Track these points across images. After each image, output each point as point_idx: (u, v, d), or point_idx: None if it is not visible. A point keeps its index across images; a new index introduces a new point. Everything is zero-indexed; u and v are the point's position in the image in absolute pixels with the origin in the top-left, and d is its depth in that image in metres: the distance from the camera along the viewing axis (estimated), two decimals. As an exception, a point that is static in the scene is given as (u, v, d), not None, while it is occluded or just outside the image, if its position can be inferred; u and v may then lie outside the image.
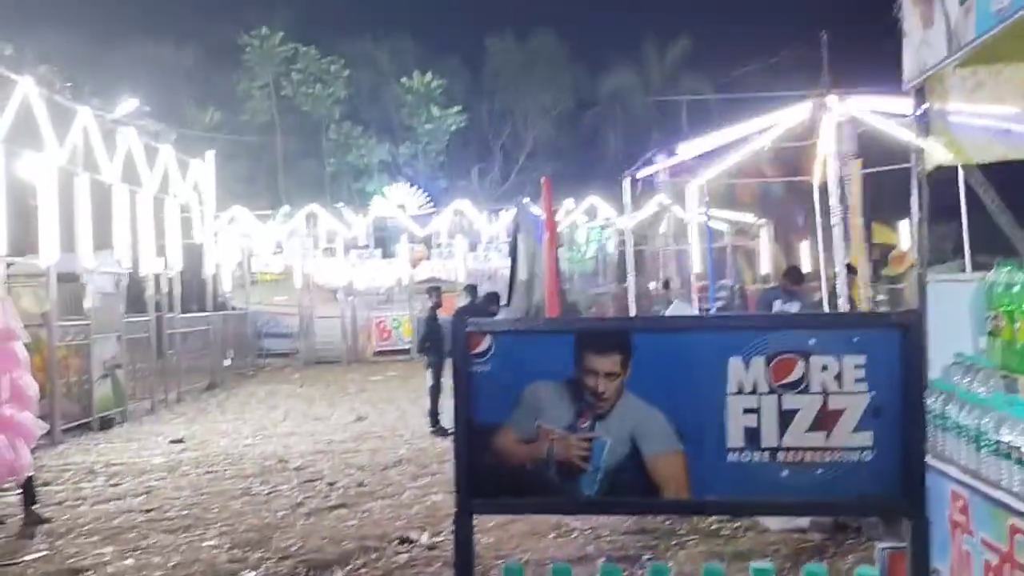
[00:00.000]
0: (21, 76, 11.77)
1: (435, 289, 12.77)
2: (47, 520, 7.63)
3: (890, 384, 2.27)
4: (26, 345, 7.54)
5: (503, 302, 12.61)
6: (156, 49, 41.48)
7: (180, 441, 11.92)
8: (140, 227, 15.67)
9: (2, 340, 7.07)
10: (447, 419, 11.63)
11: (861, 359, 2.28)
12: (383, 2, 50.13)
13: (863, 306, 11.92)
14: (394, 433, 12.13)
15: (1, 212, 11.03)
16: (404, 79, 43.53)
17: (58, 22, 35.67)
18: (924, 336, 2.32)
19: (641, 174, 12.20)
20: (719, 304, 11.49)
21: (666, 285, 11.67)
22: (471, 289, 12.75)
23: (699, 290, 18.43)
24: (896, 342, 2.26)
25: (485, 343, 2.37)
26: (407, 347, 24.10)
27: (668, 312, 11.23)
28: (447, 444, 11.03)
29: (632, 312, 12.97)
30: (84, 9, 39.88)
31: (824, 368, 2.29)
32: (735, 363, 2.30)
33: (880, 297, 15.74)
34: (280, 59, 42.63)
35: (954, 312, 4.85)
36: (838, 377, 2.29)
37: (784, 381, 2.30)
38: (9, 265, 12.15)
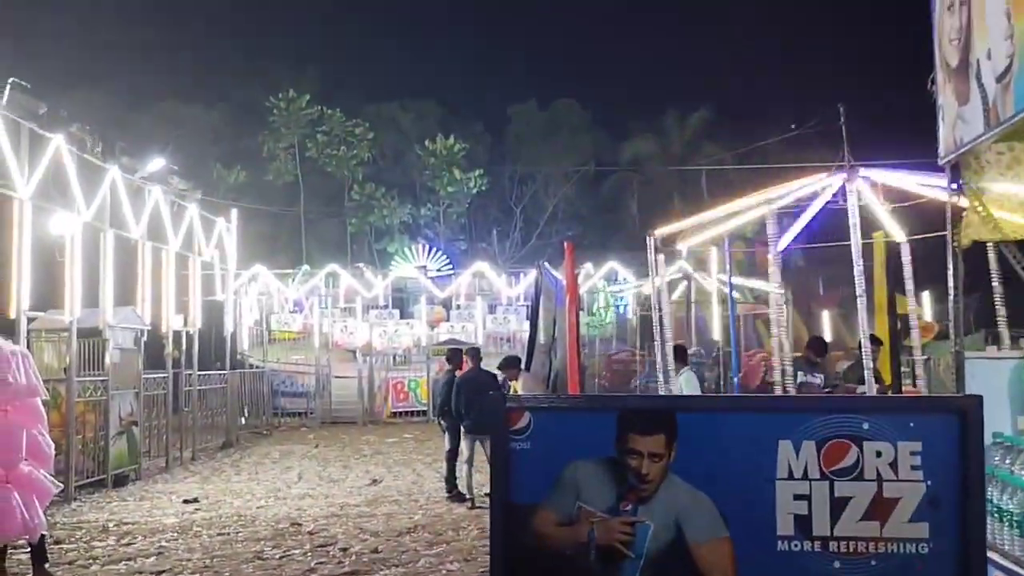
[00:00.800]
0: (53, 134, 11.96)
1: (457, 352, 12.69)
2: (57, 581, 7.51)
3: (948, 473, 2.17)
4: (44, 401, 7.51)
5: (522, 366, 12.47)
6: (186, 109, 42.39)
7: (194, 501, 11.78)
8: (163, 284, 15.76)
9: (24, 396, 7.04)
10: (463, 485, 11.46)
11: (917, 446, 2.19)
12: (408, 69, 51.31)
13: (889, 379, 11.75)
14: (409, 498, 11.95)
15: (26, 268, 11.10)
16: (427, 142, 44.10)
17: (92, 83, 36.60)
18: (983, 422, 2.22)
19: (660, 231, 12.09)
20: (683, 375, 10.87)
21: (677, 354, 10.64)
22: (474, 353, 12.41)
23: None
24: (954, 428, 2.17)
25: (524, 420, 2.29)
26: (424, 409, 23.94)
27: (680, 384, 11.02)
28: (463, 510, 10.85)
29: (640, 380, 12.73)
30: (117, 71, 40.92)
31: (878, 454, 2.20)
32: (785, 446, 2.21)
33: (903, 369, 15.50)
34: (306, 121, 43.37)
35: (990, 390, 4.73)
36: (893, 464, 2.19)
37: (836, 467, 2.20)
38: (31, 320, 12.18)
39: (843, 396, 7.70)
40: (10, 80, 11.03)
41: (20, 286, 11.02)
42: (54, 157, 11.97)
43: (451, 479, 11.71)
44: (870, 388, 9.29)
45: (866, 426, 2.21)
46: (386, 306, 31.92)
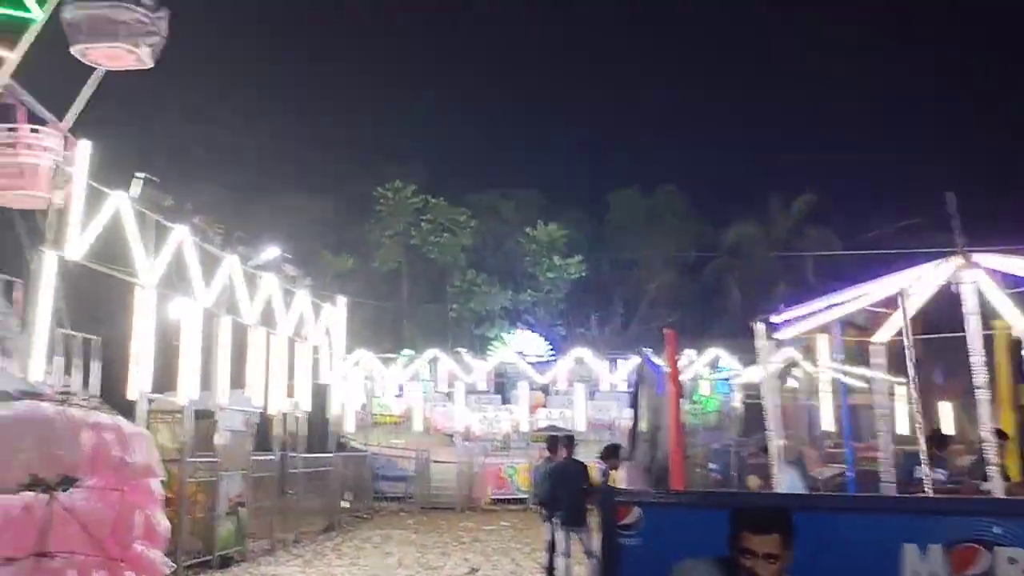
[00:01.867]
0: (178, 225, 12.65)
1: (556, 439, 12.57)
2: (163, 662, 7.57)
3: (1092, 585, 2.01)
4: (162, 482, 7.73)
5: (624, 455, 12.24)
6: (297, 200, 44.25)
7: (296, 585, 11.86)
8: (273, 367, 16.25)
9: (141, 476, 7.27)
10: (563, 576, 11.19)
11: (1055, 554, 2.04)
12: (511, 159, 52.55)
13: (1017, 475, 11.03)
14: (509, 588, 11.75)
15: (148, 353, 11.63)
16: (529, 229, 44.73)
17: (214, 176, 38.73)
18: None
19: (777, 319, 11.82)
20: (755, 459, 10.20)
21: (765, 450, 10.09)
22: (567, 442, 12.13)
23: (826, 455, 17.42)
24: (1097, 536, 2.02)
25: (633, 515, 2.25)
26: (523, 496, 23.66)
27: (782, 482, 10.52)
28: (563, 604, 10.58)
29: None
30: (238, 165, 43.24)
31: (1011, 561, 2.06)
32: (910, 550, 2.10)
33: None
34: (411, 209, 44.68)
35: None
36: (1029, 573, 2.05)
37: (966, 573, 2.08)
38: (150, 401, 12.70)
39: (972, 497, 7.29)
40: (141, 175, 11.80)
41: (141, 369, 11.55)
42: (177, 247, 12.64)
43: (550, 570, 11.47)
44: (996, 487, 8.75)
45: (997, 530, 2.08)
46: (486, 391, 32.02)
